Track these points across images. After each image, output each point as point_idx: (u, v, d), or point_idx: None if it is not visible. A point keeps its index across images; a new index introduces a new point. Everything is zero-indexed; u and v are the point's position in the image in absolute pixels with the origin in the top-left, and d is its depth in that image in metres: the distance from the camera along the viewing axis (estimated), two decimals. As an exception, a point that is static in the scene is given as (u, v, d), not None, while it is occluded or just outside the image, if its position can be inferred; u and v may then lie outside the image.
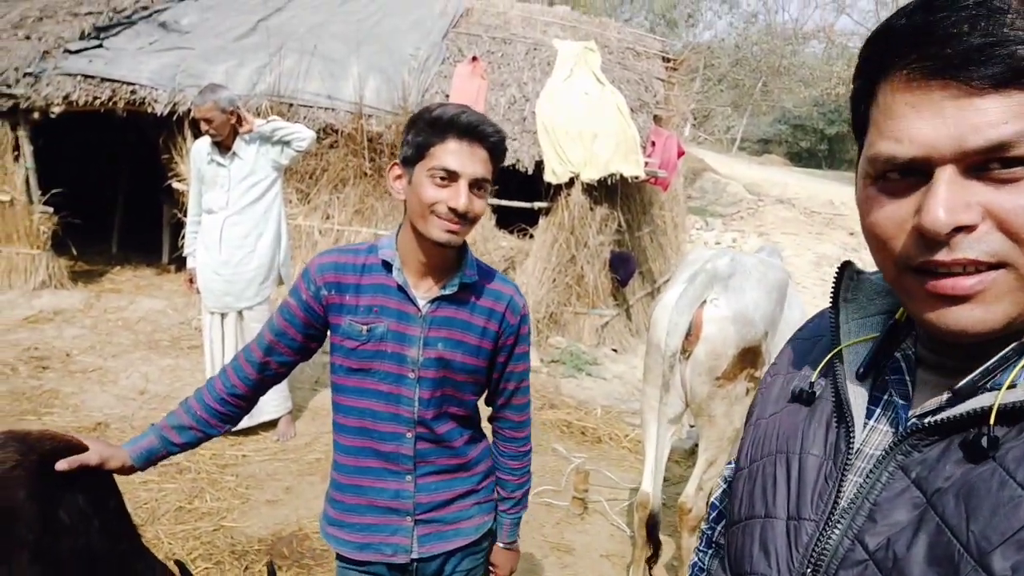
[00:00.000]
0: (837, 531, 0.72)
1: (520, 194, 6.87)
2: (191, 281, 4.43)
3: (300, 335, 1.66)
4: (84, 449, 1.61)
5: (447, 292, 1.59)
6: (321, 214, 6.70)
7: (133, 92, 6.59)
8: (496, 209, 6.88)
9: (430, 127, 1.49)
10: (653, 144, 6.88)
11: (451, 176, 1.48)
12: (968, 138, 0.60)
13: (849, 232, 13.97)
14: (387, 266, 1.60)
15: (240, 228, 4.16)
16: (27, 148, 6.72)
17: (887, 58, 0.66)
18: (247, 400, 1.71)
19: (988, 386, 0.66)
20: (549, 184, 6.54)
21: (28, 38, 7.12)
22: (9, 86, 6.54)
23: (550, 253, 6.59)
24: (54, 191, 6.91)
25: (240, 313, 4.30)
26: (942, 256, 0.62)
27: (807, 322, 0.99)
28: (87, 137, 8.42)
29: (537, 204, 6.76)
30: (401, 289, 1.59)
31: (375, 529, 1.68)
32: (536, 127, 6.57)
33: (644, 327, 7.38)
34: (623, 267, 6.83)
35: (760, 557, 0.79)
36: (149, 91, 6.58)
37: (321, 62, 7.00)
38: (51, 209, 6.89)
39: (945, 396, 0.70)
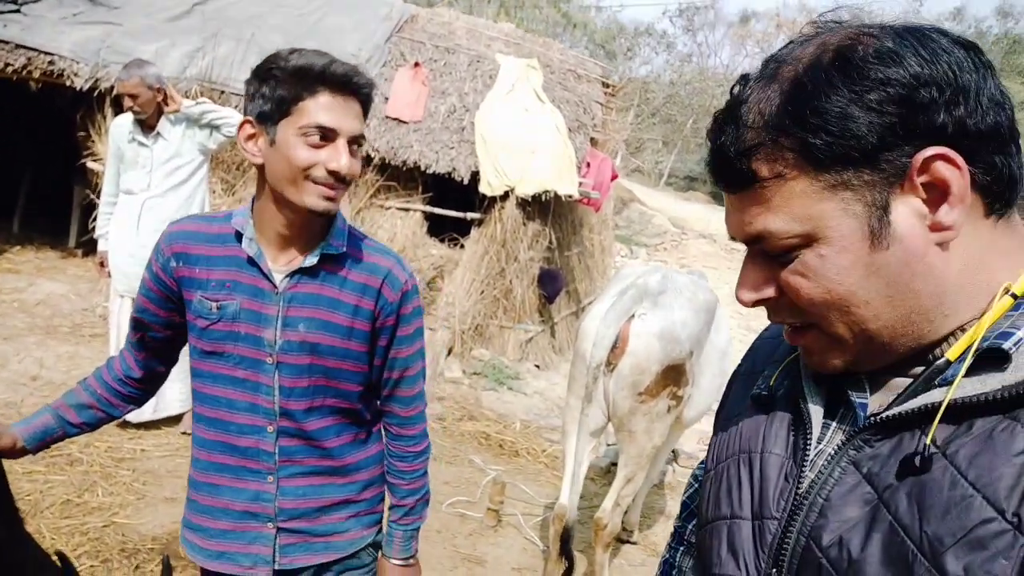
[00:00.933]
0: (794, 528, 0.73)
1: (454, 203, 6.83)
2: (102, 264, 4.19)
3: (162, 310, 1.49)
4: None
5: (306, 264, 1.39)
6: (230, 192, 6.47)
7: (51, 63, 6.22)
8: (428, 216, 6.81)
9: (295, 78, 1.28)
10: (588, 165, 6.97)
11: (328, 134, 1.29)
12: (741, 231, 0.72)
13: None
14: (239, 236, 1.40)
15: (161, 212, 3.93)
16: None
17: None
18: (145, 382, 1.58)
19: (938, 382, 0.67)
20: (483, 196, 6.53)
21: (-63, -5, 6.64)
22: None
23: (480, 264, 6.56)
24: (-49, 160, 6.43)
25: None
26: (770, 315, 0.76)
27: (770, 324, 1.02)
28: (-5, 106, 7.90)
29: (470, 215, 6.74)
30: (253, 262, 1.39)
31: (232, 536, 1.47)
32: (475, 138, 6.56)
33: (568, 344, 7.43)
34: (551, 284, 6.86)
35: (728, 558, 0.80)
36: (69, 63, 6.23)
37: (258, 52, 6.78)
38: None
39: (897, 392, 0.71)
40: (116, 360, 1.58)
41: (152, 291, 1.48)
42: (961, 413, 0.63)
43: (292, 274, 1.39)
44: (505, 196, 6.49)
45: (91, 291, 6.44)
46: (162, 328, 1.52)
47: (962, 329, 0.67)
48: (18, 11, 6.72)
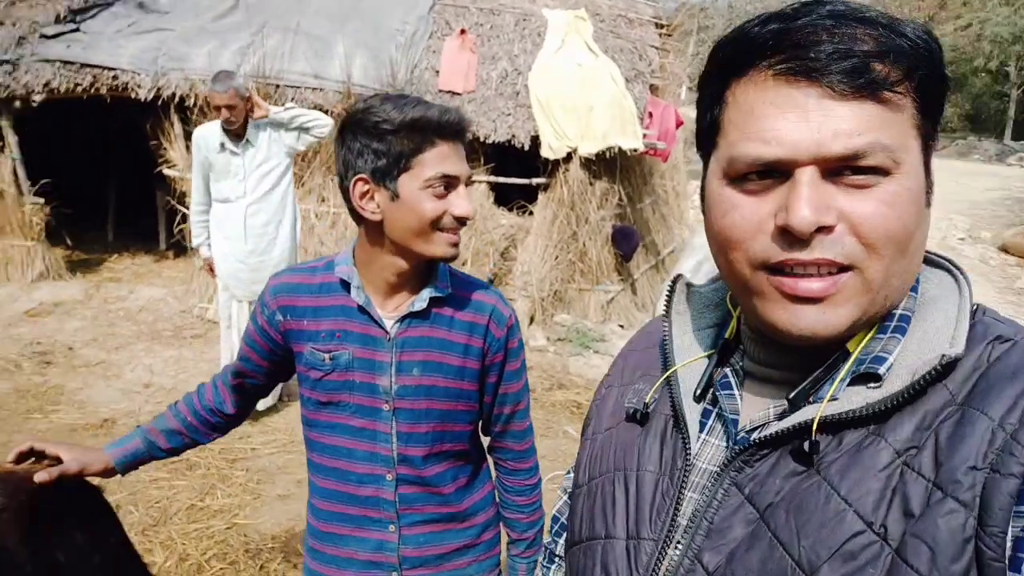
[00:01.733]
0: (678, 550, 0.72)
1: (517, 171, 6.77)
2: (211, 269, 4.43)
3: (264, 361, 1.53)
4: (77, 479, 1.56)
5: (416, 308, 1.40)
6: (316, 197, 6.60)
7: (115, 77, 6.45)
8: (494, 187, 6.80)
9: (412, 132, 1.30)
10: (651, 115, 6.76)
11: (450, 182, 1.33)
12: (828, 144, 0.62)
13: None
14: (345, 285, 1.41)
15: (261, 216, 4.18)
16: (11, 138, 6.60)
17: (747, 60, 0.67)
18: (234, 418, 1.62)
19: (811, 400, 0.69)
20: (546, 160, 6.44)
21: (2, 23, 6.93)
22: (-13, 75, 6.39)
23: (551, 230, 6.52)
24: (44, 181, 6.81)
25: (253, 303, 4.31)
26: (802, 255, 0.63)
27: (638, 333, 1.01)
28: (74, 125, 8.27)
29: (535, 180, 6.65)
30: (363, 310, 1.40)
31: None
32: (530, 101, 6.45)
33: (650, 301, 7.35)
34: (626, 242, 6.76)
35: None
36: (131, 76, 6.44)
37: (306, 40, 6.83)
38: (42, 200, 6.80)
39: (772, 410, 0.73)
40: (208, 390, 1.61)
41: (257, 342, 1.51)
42: (830, 428, 0.66)
43: (403, 319, 1.41)
44: (568, 158, 6.39)
45: (186, 293, 6.78)
46: (262, 377, 1.57)
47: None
48: (77, 30, 6.96)
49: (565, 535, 1.02)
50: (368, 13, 7.19)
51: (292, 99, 6.31)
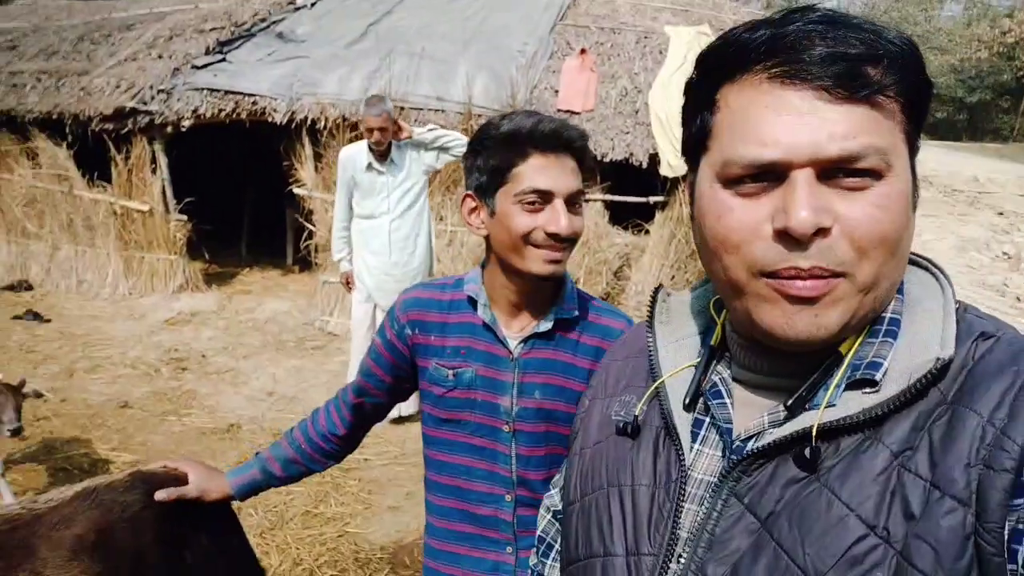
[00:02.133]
0: (680, 563, 0.72)
1: (634, 189, 6.67)
2: (347, 283, 4.66)
3: (388, 376, 1.52)
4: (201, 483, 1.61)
5: (541, 330, 1.37)
6: (434, 215, 6.74)
7: (254, 103, 6.88)
8: (609, 205, 6.71)
9: (506, 145, 1.28)
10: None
11: (544, 197, 1.26)
12: (824, 146, 0.62)
13: (998, 212, 12.78)
14: (473, 303, 1.41)
15: (403, 231, 4.43)
16: (162, 160, 7.16)
17: (739, 65, 0.67)
18: (346, 440, 1.62)
19: (807, 406, 0.69)
20: (664, 177, 6.32)
21: (160, 57, 7.58)
22: (145, 103, 6.98)
23: (667, 249, 6.36)
24: (187, 200, 7.33)
25: None
26: (802, 263, 0.63)
27: (617, 342, 1.01)
28: (215, 147, 8.88)
29: (652, 198, 6.54)
30: (488, 328, 1.39)
31: None
32: (649, 119, 6.34)
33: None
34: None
35: None
36: (268, 101, 6.85)
37: (430, 64, 7.04)
38: (185, 217, 7.33)
39: (767, 417, 0.72)
40: (321, 415, 1.62)
41: (382, 356, 1.50)
42: (828, 434, 0.66)
43: (527, 339, 1.38)
44: (687, 175, 6.20)
45: (309, 306, 7.08)
46: (383, 394, 1.56)
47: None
48: (224, 60, 7.49)
49: (552, 555, 1.03)
50: (490, 36, 7.33)
51: (415, 120, 6.50)
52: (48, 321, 6.64)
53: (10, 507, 1.51)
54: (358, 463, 4.29)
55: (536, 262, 1.29)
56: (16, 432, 3.32)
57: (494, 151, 1.29)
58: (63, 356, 5.80)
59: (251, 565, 1.74)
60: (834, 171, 0.63)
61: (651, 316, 0.89)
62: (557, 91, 6.71)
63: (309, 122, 6.72)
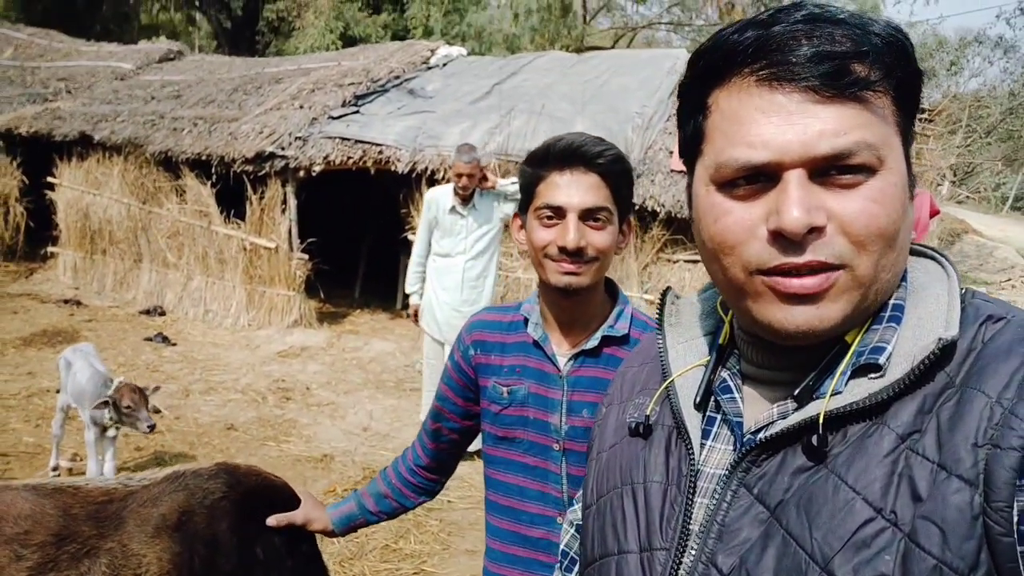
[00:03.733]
0: (692, 556, 0.72)
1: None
2: (415, 317, 4.87)
3: (460, 399, 1.55)
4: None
5: (587, 347, 1.39)
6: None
7: (380, 152, 7.27)
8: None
9: (533, 164, 1.36)
10: (902, 202, 6.18)
11: (557, 212, 1.31)
12: (814, 145, 0.63)
13: None
14: (527, 322, 1.46)
15: (474, 271, 4.66)
16: (292, 202, 7.65)
17: (728, 68, 0.68)
18: (434, 471, 1.64)
19: (814, 396, 0.69)
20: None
21: (301, 107, 8.18)
22: (283, 148, 7.52)
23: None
24: (310, 240, 7.77)
25: None
26: (795, 259, 0.64)
27: (635, 351, 1.02)
28: (340, 192, 9.41)
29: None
30: (538, 346, 1.42)
31: None
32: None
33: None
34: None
35: None
36: (393, 151, 7.22)
37: (548, 121, 7.22)
38: (306, 256, 7.75)
39: (776, 409, 0.72)
40: (409, 451, 1.67)
41: (453, 379, 1.55)
42: (835, 421, 0.65)
43: (575, 357, 1.40)
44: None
45: (412, 349, 7.25)
46: (458, 418, 1.58)
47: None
48: (357, 112, 7.99)
49: (575, 570, 1.04)
50: (609, 97, 7.46)
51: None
52: (175, 345, 7.12)
53: (108, 481, 1.61)
54: (441, 504, 4.28)
55: (553, 274, 1.34)
56: (152, 428, 3.58)
57: (524, 172, 1.38)
58: (182, 377, 6.18)
59: (319, 573, 1.77)
60: (826, 169, 0.64)
61: (660, 318, 0.90)
62: (671, 152, 6.70)
63: (429, 172, 7.02)
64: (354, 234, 10.00)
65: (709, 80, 0.70)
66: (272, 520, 1.55)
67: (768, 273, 0.66)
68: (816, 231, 0.63)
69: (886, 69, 0.64)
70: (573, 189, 1.31)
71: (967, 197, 19.88)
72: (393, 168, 7.18)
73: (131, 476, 1.60)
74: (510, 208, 4.56)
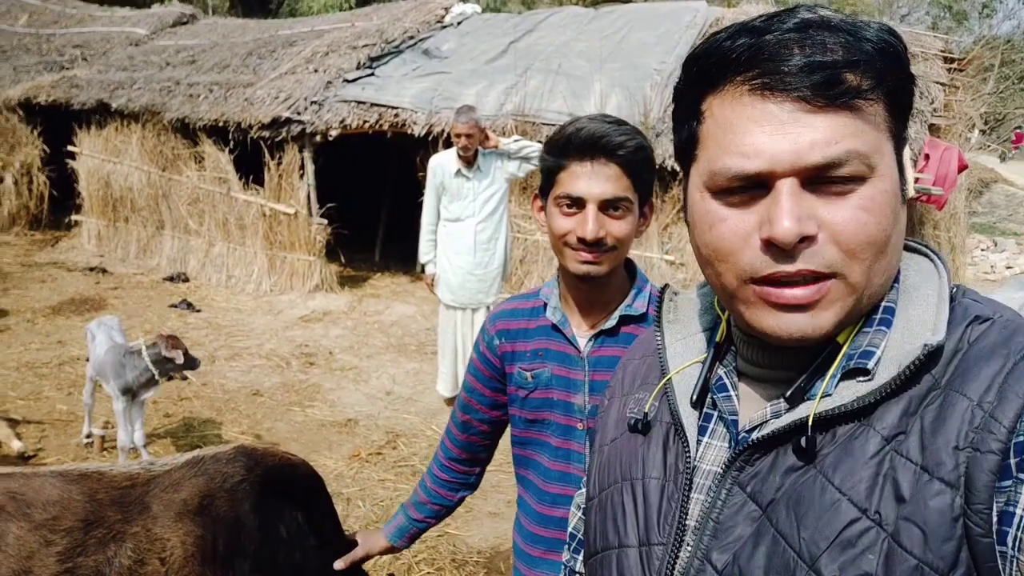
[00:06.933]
0: (688, 552, 0.74)
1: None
2: (431, 284, 4.87)
3: (487, 389, 1.56)
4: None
5: (606, 327, 1.41)
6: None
7: (396, 115, 7.22)
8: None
9: (554, 150, 1.35)
10: (927, 157, 6.03)
11: (577, 202, 1.32)
12: (806, 154, 0.63)
13: None
14: (547, 307, 1.48)
15: (485, 233, 4.67)
16: (310, 167, 7.65)
17: (721, 75, 0.68)
18: (467, 463, 1.64)
19: (805, 397, 0.71)
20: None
21: (316, 71, 8.12)
22: (299, 113, 7.50)
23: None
24: (329, 205, 7.78)
25: (476, 310, 4.75)
26: (787, 268, 0.65)
27: (636, 343, 1.03)
28: (357, 156, 9.39)
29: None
30: (558, 329, 1.45)
31: None
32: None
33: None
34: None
35: None
36: (409, 113, 7.17)
37: (565, 80, 7.11)
38: (326, 221, 7.77)
39: (769, 408, 0.73)
40: (439, 448, 1.68)
41: (479, 369, 1.57)
42: (824, 423, 0.67)
43: (595, 337, 1.42)
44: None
45: (433, 312, 7.27)
46: (487, 408, 1.58)
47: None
48: (372, 74, 7.92)
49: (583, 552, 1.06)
50: (628, 54, 7.32)
51: (547, 136, 6.58)
52: (199, 311, 7.23)
53: (131, 466, 1.66)
54: (464, 468, 4.35)
55: (572, 262, 1.35)
56: (197, 363, 3.95)
57: (547, 156, 1.38)
58: (208, 343, 6.29)
59: (343, 549, 1.81)
60: (818, 178, 0.64)
61: (659, 314, 0.91)
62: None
63: (445, 135, 6.97)
64: (372, 198, 10.00)
65: (703, 86, 0.71)
66: (339, 564, 1.61)
67: (760, 282, 0.67)
68: (807, 240, 0.64)
69: (878, 77, 0.64)
70: (593, 180, 1.30)
71: (994, 147, 19.35)
72: (409, 131, 7.14)
73: (153, 461, 1.64)
74: (514, 167, 4.56)
